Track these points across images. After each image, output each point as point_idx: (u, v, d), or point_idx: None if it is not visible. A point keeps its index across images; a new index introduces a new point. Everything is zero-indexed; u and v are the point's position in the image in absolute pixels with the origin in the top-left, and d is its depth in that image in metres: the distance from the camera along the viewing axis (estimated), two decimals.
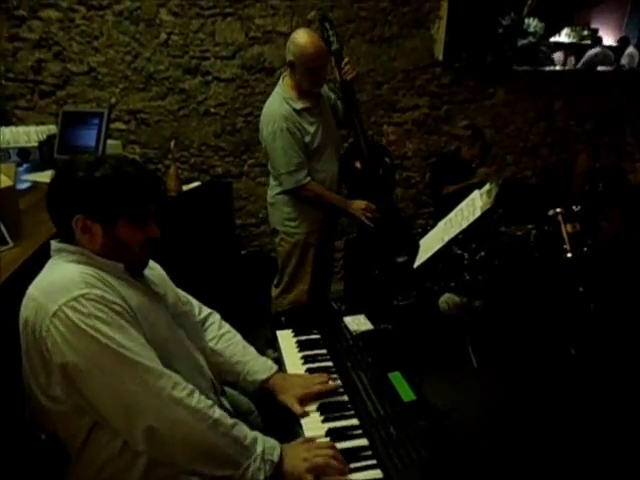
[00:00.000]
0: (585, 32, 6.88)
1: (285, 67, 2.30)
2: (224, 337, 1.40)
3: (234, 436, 1.04)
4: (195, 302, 1.43)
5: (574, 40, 6.82)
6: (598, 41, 6.47)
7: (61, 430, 1.06)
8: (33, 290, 1.03)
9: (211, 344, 1.37)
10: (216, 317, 1.45)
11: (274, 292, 2.60)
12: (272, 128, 2.20)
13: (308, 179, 2.27)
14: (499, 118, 3.70)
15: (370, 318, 1.62)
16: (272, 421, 1.33)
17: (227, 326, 1.45)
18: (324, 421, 1.21)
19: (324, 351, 1.49)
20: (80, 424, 1.03)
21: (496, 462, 1.99)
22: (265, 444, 1.07)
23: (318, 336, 1.57)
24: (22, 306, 1.04)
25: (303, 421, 1.22)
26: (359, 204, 2.38)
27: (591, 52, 6.10)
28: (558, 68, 4.94)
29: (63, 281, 1.00)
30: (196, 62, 3.04)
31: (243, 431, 1.07)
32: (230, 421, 1.06)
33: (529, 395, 2.42)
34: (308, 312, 1.77)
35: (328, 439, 1.14)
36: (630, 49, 6.10)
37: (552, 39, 6.20)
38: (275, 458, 1.06)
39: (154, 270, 1.28)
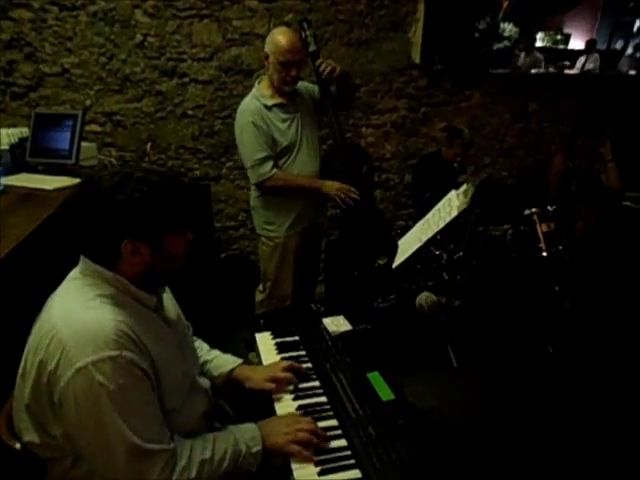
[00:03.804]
0: (558, 36, 7.05)
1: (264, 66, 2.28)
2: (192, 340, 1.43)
3: (219, 459, 1.07)
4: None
5: (547, 44, 6.97)
6: (530, 43, 6.33)
7: (47, 454, 1.03)
8: (61, 327, 0.96)
9: None
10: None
11: (258, 297, 2.57)
12: (240, 122, 2.25)
13: (273, 171, 2.25)
14: (475, 120, 3.76)
15: (349, 319, 1.62)
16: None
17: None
18: None
19: (303, 353, 1.48)
20: (67, 454, 1.02)
21: (475, 461, 2.01)
22: (244, 438, 1.11)
23: (297, 338, 1.56)
24: (41, 332, 0.98)
25: None
26: (333, 184, 2.32)
27: (522, 56, 6.04)
28: (533, 71, 5.03)
29: (97, 333, 0.95)
30: (173, 64, 3.01)
31: (223, 445, 1.09)
32: (208, 450, 1.06)
33: (508, 393, 2.45)
34: (287, 314, 1.76)
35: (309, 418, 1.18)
36: (595, 54, 6.17)
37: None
38: (259, 446, 1.11)
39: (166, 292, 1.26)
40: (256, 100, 2.25)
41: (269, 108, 2.25)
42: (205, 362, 1.39)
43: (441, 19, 3.38)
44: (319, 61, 2.32)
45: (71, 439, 0.98)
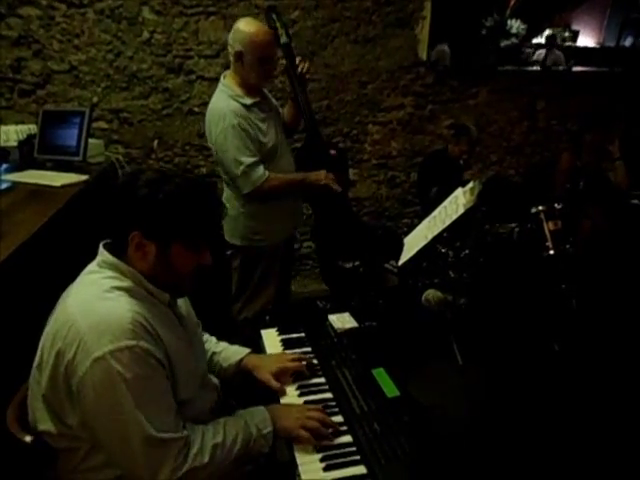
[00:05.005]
0: (566, 34, 6.98)
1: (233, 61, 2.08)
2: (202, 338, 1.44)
3: (230, 442, 1.09)
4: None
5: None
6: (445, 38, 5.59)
7: (62, 444, 1.04)
8: (78, 317, 0.98)
9: None
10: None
11: (236, 308, 2.43)
12: (223, 125, 2.01)
13: (267, 174, 2.08)
14: (482, 118, 3.74)
15: (355, 316, 1.63)
16: None
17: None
18: None
19: (309, 349, 1.49)
20: (81, 444, 1.03)
21: (479, 457, 2.01)
22: (255, 420, 1.14)
23: (303, 334, 1.57)
24: (58, 322, 1.00)
25: None
26: (319, 173, 2.22)
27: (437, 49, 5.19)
28: (538, 69, 4.98)
29: (114, 323, 0.96)
30: (179, 61, 3.02)
31: (234, 429, 1.11)
32: (219, 435, 1.09)
33: (513, 391, 2.44)
34: (293, 311, 1.76)
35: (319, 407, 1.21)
36: (556, 51, 5.84)
37: (534, 40, 6.26)
38: (270, 427, 1.14)
39: None
40: (232, 100, 2.04)
41: (248, 108, 2.06)
42: (214, 354, 1.41)
43: (448, 16, 3.37)
44: (299, 59, 2.24)
45: (88, 428, 0.99)
